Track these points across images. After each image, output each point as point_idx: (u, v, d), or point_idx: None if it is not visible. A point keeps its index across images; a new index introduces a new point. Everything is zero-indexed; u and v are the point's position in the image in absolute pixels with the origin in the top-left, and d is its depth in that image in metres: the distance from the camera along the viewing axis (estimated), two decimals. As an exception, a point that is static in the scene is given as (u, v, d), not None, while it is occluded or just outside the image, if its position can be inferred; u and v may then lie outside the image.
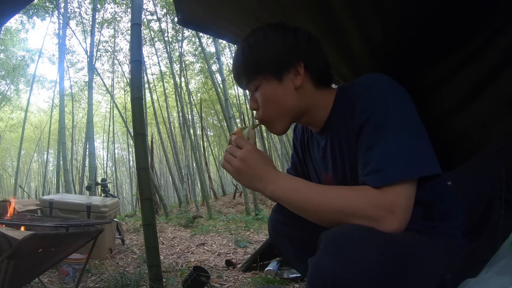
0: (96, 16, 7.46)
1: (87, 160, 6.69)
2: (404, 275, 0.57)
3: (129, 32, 3.67)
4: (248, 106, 9.12)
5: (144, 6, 8.00)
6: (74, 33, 8.37)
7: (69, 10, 7.38)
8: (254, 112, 0.84)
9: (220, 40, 6.74)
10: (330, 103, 0.81)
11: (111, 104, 11.74)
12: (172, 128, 11.22)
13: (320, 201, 0.67)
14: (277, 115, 0.80)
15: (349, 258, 0.54)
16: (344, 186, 0.70)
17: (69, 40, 9.51)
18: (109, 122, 13.12)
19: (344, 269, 0.53)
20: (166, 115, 10.14)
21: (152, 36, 9.32)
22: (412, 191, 0.64)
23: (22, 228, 1.27)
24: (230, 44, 8.13)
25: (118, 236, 3.15)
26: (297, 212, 0.71)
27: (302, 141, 1.00)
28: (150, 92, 9.42)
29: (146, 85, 8.70)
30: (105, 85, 9.73)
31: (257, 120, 0.83)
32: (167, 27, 8.78)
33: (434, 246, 0.68)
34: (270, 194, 0.73)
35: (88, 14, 8.39)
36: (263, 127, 0.94)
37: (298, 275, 1.68)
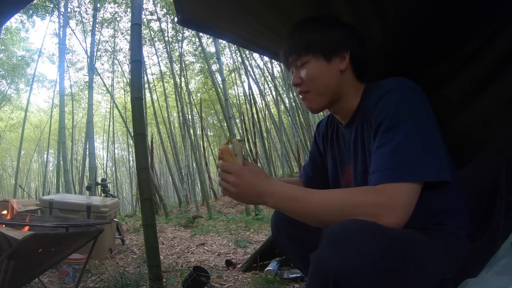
0: (96, 16, 7.46)
1: (87, 160, 6.68)
2: (406, 271, 0.58)
3: (129, 32, 3.66)
4: (248, 106, 9.13)
5: (144, 6, 8.01)
6: (74, 33, 8.36)
7: (69, 10, 7.38)
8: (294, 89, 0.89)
9: (220, 40, 6.74)
10: (359, 96, 0.86)
11: (111, 104, 11.74)
12: (172, 128, 11.21)
13: (318, 203, 0.68)
14: (321, 91, 0.85)
15: (351, 253, 0.54)
16: (343, 189, 0.71)
17: (69, 40, 9.54)
18: (109, 122, 13.12)
19: (346, 263, 0.54)
20: (166, 115, 10.14)
21: (152, 36, 9.31)
22: (415, 190, 0.65)
23: (26, 228, 1.27)
24: (230, 44, 8.13)
25: (118, 236, 3.15)
26: (299, 218, 0.72)
27: (324, 137, 1.04)
28: (150, 92, 9.41)
29: (146, 85, 8.69)
30: (105, 85, 9.71)
31: (238, 137, 0.84)
32: (167, 27, 8.79)
33: (436, 245, 0.68)
34: (272, 205, 0.74)
35: (88, 14, 8.41)
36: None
37: (298, 275, 1.68)
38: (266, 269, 1.82)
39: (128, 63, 9.65)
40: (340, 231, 0.58)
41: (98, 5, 7.78)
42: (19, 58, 10.39)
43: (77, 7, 8.16)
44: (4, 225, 1.23)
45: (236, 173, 0.75)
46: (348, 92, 0.86)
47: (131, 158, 14.19)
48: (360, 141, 0.83)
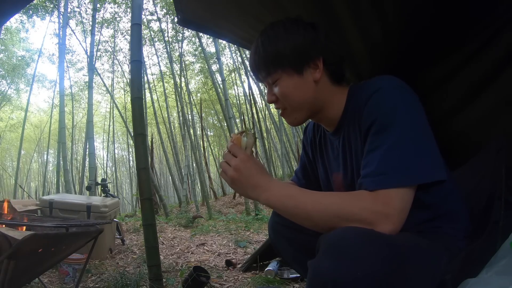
0: (96, 16, 7.46)
1: (87, 160, 6.69)
2: (405, 277, 0.57)
3: (129, 32, 3.67)
4: (248, 106, 9.12)
5: (144, 6, 8.01)
6: (74, 33, 8.37)
7: (69, 10, 7.37)
8: (271, 105, 0.85)
9: (220, 40, 6.73)
10: (343, 101, 0.82)
11: (111, 104, 11.75)
12: (172, 128, 11.21)
13: (313, 206, 0.67)
14: (297, 107, 0.81)
15: (349, 262, 0.54)
16: (338, 192, 0.70)
17: (69, 40, 9.53)
18: (109, 122, 13.13)
19: (345, 272, 0.53)
20: (166, 115, 10.14)
21: (152, 36, 9.32)
22: (409, 194, 0.64)
23: (23, 228, 1.27)
24: (230, 44, 8.13)
25: (118, 236, 3.15)
26: (292, 219, 0.71)
27: (312, 142, 1.01)
28: (150, 92, 9.41)
29: (146, 85, 8.69)
30: (105, 85, 9.72)
31: (252, 130, 0.83)
32: (167, 27, 8.80)
33: (434, 248, 0.67)
34: (264, 202, 0.73)
35: (88, 14, 8.41)
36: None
37: (298, 275, 1.68)
38: (266, 269, 1.82)
39: (128, 63, 9.65)
40: (337, 239, 0.57)
41: (98, 5, 7.78)
42: (19, 58, 10.39)
43: (77, 7, 8.17)
44: (4, 225, 1.23)
45: (242, 159, 0.75)
46: (328, 100, 0.82)
47: (131, 158, 14.20)
48: (347, 148, 0.81)
